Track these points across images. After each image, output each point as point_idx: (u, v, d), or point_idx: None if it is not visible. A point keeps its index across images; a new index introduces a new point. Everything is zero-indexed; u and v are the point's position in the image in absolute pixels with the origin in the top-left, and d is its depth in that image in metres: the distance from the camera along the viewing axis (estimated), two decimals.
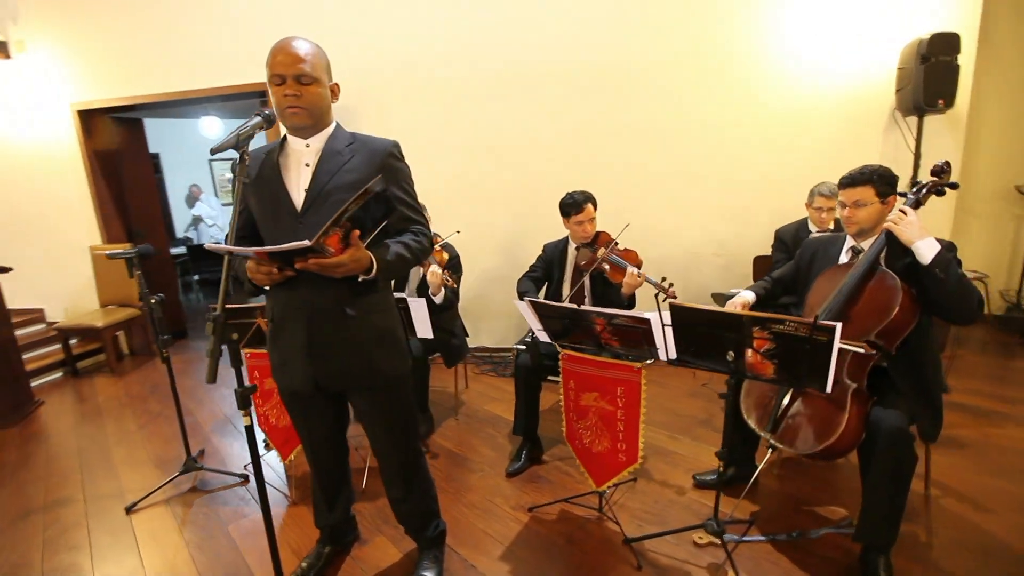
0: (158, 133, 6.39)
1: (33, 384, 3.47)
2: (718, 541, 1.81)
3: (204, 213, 6.57)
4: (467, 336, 3.01)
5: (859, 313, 1.69)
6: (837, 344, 1.33)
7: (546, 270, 2.71)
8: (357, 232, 1.26)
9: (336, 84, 1.44)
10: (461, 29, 3.54)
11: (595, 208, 2.56)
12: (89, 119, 3.94)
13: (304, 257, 1.23)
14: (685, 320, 1.56)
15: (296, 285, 1.40)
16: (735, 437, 2.05)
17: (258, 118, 1.28)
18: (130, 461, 2.64)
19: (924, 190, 1.74)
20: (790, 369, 1.48)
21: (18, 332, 3.48)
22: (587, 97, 3.54)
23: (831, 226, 2.87)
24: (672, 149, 3.53)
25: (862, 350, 1.63)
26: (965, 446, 2.39)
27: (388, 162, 1.45)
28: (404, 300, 2.17)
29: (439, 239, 2.79)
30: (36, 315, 4.12)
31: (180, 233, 7.23)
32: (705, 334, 1.56)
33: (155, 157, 6.98)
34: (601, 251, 2.47)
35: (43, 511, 2.25)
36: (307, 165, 1.41)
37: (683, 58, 3.40)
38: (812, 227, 2.91)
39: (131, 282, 2.92)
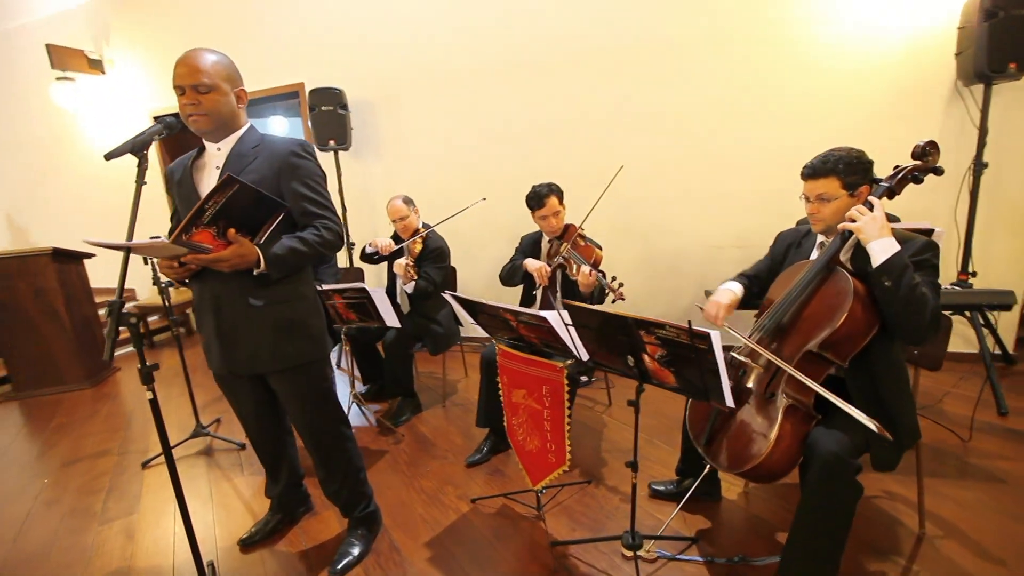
0: None
1: (116, 353, 4.11)
2: (644, 555, 1.72)
3: None
4: (460, 325, 3.06)
5: (807, 319, 1.48)
6: (719, 354, 1.19)
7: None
8: (232, 230, 1.35)
9: (242, 89, 1.53)
10: (468, 18, 3.54)
11: (561, 201, 2.47)
12: None
13: (180, 254, 1.34)
14: (581, 320, 1.47)
15: (206, 278, 1.53)
16: (691, 449, 1.91)
17: (158, 125, 1.41)
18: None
19: (898, 177, 1.47)
20: (687, 378, 1.34)
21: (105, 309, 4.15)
22: (600, 81, 3.38)
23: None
24: (693, 134, 3.26)
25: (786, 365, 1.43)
26: (998, 481, 2.00)
27: (290, 160, 1.53)
28: (366, 290, 2.26)
29: (423, 231, 2.85)
30: (128, 295, 4.87)
31: None
32: (605, 336, 1.46)
33: None
34: (564, 246, 2.38)
35: (87, 459, 2.69)
36: (217, 168, 1.53)
37: (704, 33, 3.11)
38: None
39: None
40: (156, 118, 1.41)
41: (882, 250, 1.35)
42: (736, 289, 1.74)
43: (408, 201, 2.88)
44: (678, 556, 1.73)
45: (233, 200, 1.30)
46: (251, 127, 1.59)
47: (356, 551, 1.82)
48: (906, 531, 1.77)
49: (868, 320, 1.39)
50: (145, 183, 1.39)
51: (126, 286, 1.32)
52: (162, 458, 2.58)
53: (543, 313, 1.53)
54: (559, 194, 2.49)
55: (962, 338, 2.92)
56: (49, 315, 3.45)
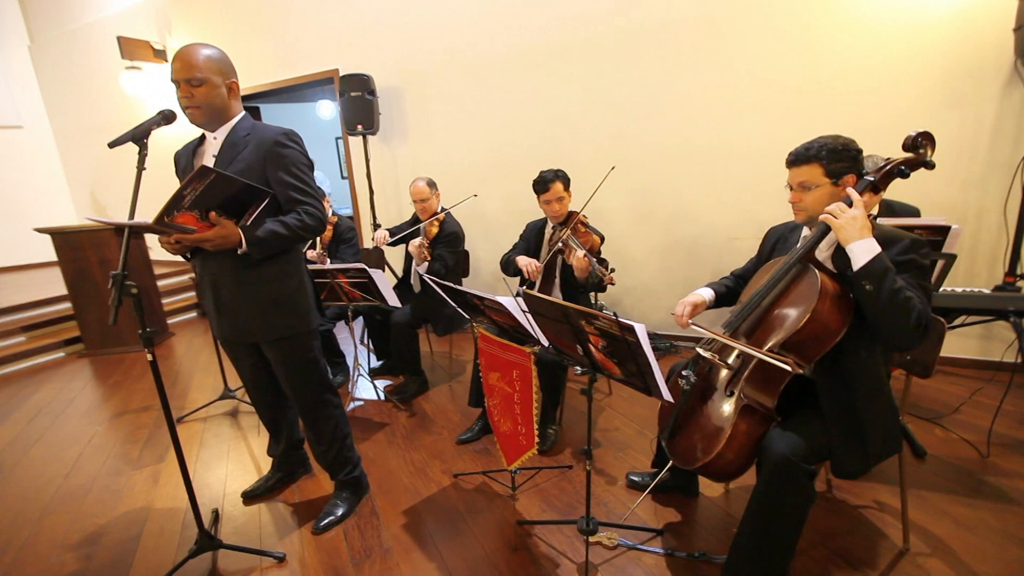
0: (292, 116, 7.53)
1: (171, 321, 4.56)
2: (606, 541, 1.75)
3: (320, 184, 7.52)
4: None
5: (773, 318, 1.43)
6: (647, 347, 1.18)
7: (526, 248, 2.69)
8: (214, 213, 1.49)
9: (234, 81, 1.65)
10: (491, 4, 3.53)
11: (566, 187, 2.46)
12: None
13: (169, 234, 1.49)
14: (535, 308, 1.50)
15: (204, 257, 1.70)
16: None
17: (158, 115, 1.56)
18: (202, 386, 3.37)
19: (884, 171, 1.36)
20: (628, 370, 1.34)
21: (167, 281, 4.61)
22: (624, 65, 3.29)
23: (874, 211, 2.34)
24: (718, 119, 3.11)
25: (712, 356, 1.39)
26: (1010, 502, 1.84)
27: (274, 150, 1.64)
28: (366, 271, 2.38)
29: (441, 214, 2.94)
30: (187, 267, 5.35)
31: None
32: (557, 324, 1.48)
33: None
34: (565, 232, 2.38)
35: (133, 412, 3.04)
36: (213, 156, 1.67)
37: (732, 11, 2.94)
38: None
39: None
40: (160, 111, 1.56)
41: (862, 252, 1.26)
42: (705, 294, 1.72)
43: (431, 184, 2.97)
44: (639, 546, 1.74)
45: (213, 187, 1.43)
46: (244, 116, 1.71)
47: (339, 512, 1.97)
48: (888, 545, 1.68)
49: (836, 322, 1.32)
50: (144, 169, 1.55)
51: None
52: (194, 416, 2.90)
53: (499, 298, 1.57)
54: (565, 180, 2.49)
55: (1003, 342, 2.66)
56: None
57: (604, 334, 1.29)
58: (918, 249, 1.30)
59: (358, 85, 3.71)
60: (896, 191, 2.48)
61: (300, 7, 4.20)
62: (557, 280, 2.52)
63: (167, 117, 1.57)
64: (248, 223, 1.61)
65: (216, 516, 2.04)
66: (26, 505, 2.19)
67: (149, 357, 1.60)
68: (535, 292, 1.48)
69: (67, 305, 4.04)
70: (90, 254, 3.83)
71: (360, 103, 3.72)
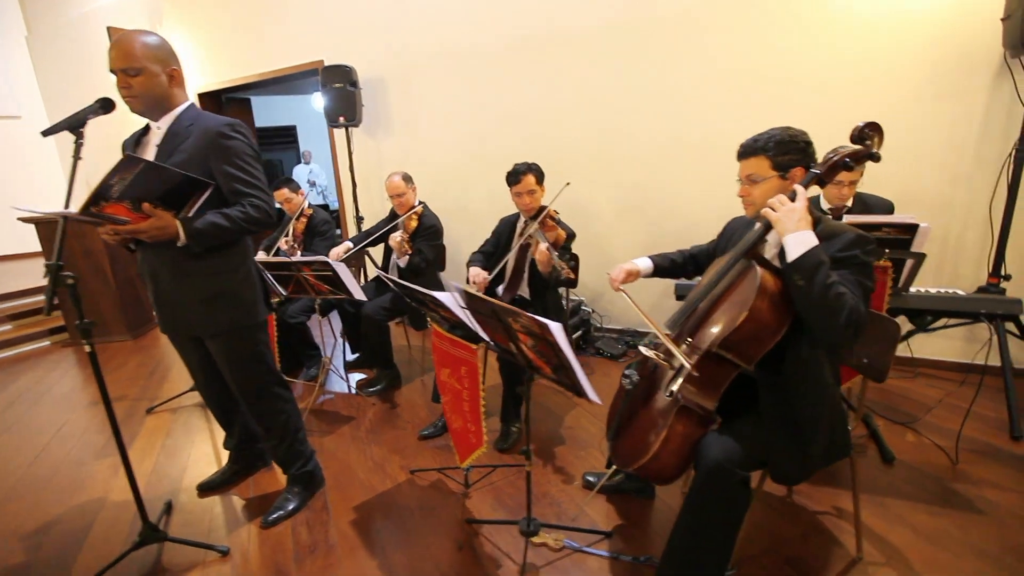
0: (289, 108, 7.53)
1: None
2: (551, 542, 1.71)
3: (316, 176, 7.53)
4: None
5: (713, 315, 1.37)
6: (564, 345, 1.14)
7: (496, 244, 2.65)
8: (147, 204, 1.46)
9: (175, 69, 1.61)
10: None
11: (538, 180, 2.41)
12: (208, 101, 4.87)
13: (101, 224, 1.47)
14: (471, 305, 1.46)
15: (145, 248, 1.68)
16: None
17: (96, 103, 1.53)
18: (179, 377, 3.38)
19: (829, 163, 1.30)
20: (556, 369, 1.30)
21: None
22: (610, 58, 3.21)
23: (849, 203, 2.28)
24: (703, 112, 3.03)
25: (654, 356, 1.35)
26: (976, 512, 1.77)
27: (217, 141, 1.60)
28: (329, 264, 2.35)
29: (419, 208, 2.90)
30: None
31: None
32: (493, 322, 1.44)
33: (293, 129, 8.26)
34: (534, 226, 2.33)
35: (103, 404, 3.05)
36: (156, 145, 1.64)
37: (717, 3, 2.85)
38: (824, 204, 2.34)
39: None
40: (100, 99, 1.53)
41: (796, 245, 1.21)
42: (641, 264, 1.74)
43: (407, 178, 2.94)
44: (584, 548, 1.70)
45: (144, 177, 1.40)
46: (190, 106, 1.68)
47: (290, 506, 1.96)
48: (841, 553, 1.63)
49: (775, 320, 1.26)
50: (81, 159, 1.53)
51: None
52: (166, 406, 2.90)
53: (436, 294, 1.53)
54: (538, 173, 2.44)
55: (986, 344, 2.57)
56: (97, 274, 3.89)
57: (529, 332, 1.25)
58: (862, 246, 1.23)
59: (340, 76, 3.68)
60: (880, 185, 2.41)
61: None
62: (526, 275, 2.48)
63: (105, 106, 1.54)
64: (190, 214, 1.59)
65: (168, 507, 2.03)
66: None
67: (87, 349, 1.58)
68: (472, 290, 1.44)
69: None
70: (74, 244, 3.85)
71: (342, 95, 3.69)
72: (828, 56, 2.66)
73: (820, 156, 1.34)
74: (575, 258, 2.72)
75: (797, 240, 1.22)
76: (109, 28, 4.48)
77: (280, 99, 7.59)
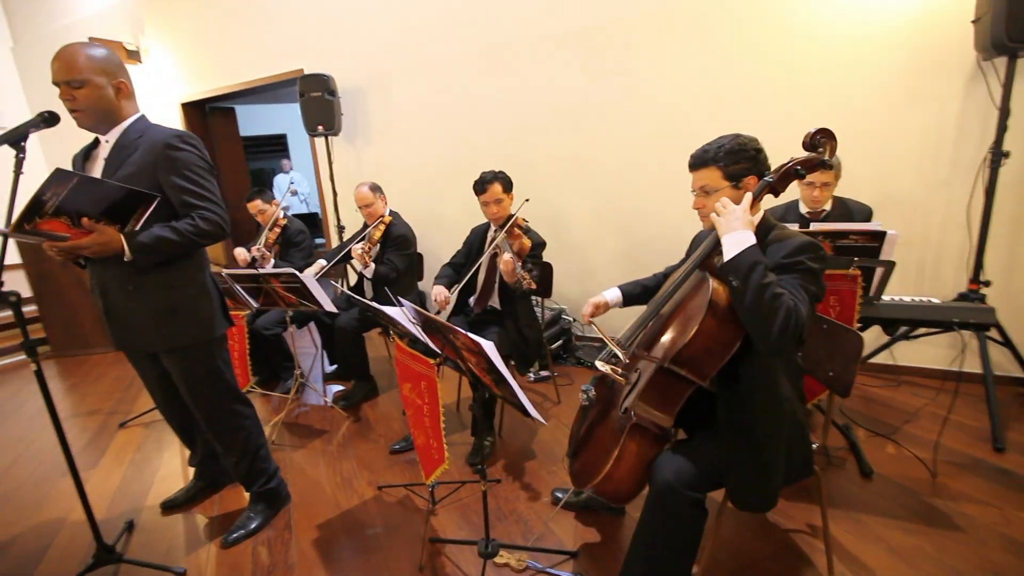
0: (278, 117, 7.52)
1: None
2: (514, 563, 1.66)
3: (298, 185, 7.45)
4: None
5: (666, 330, 1.33)
6: (500, 364, 1.09)
7: (468, 254, 2.61)
8: (86, 219, 1.42)
9: (122, 81, 1.58)
10: (452, 5, 3.45)
11: (505, 189, 2.37)
12: (191, 110, 4.86)
13: (38, 241, 1.43)
14: (421, 322, 1.41)
15: (93, 264, 1.64)
16: None
17: (37, 117, 1.50)
18: None
19: (781, 171, 1.26)
20: (500, 385, 1.26)
21: None
22: (586, 63, 3.18)
23: (827, 207, 2.23)
24: (675, 117, 2.99)
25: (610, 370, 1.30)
26: (954, 528, 1.71)
27: (164, 153, 1.57)
28: (296, 275, 2.31)
29: (387, 217, 2.87)
30: None
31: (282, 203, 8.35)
32: (441, 337, 1.40)
33: (283, 138, 8.26)
34: (500, 235, 2.29)
35: (80, 416, 3.01)
36: (104, 159, 1.60)
37: (687, 6, 2.82)
38: (803, 208, 2.30)
39: (220, 245, 3.82)
40: (45, 113, 1.49)
41: (732, 244, 1.18)
42: (609, 296, 1.69)
43: (375, 188, 2.91)
44: (548, 569, 1.65)
45: (81, 191, 1.37)
46: (139, 118, 1.64)
47: (252, 525, 1.91)
48: (812, 573, 1.57)
49: (729, 334, 1.22)
50: (23, 173, 1.49)
51: None
52: (138, 420, 2.86)
53: (387, 309, 1.49)
54: (505, 182, 2.40)
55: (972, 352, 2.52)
56: (77, 284, 3.86)
57: (469, 349, 1.20)
58: (809, 252, 1.19)
59: (318, 85, 3.66)
60: (858, 190, 2.36)
61: (266, 7, 4.16)
62: (497, 285, 2.44)
63: (47, 120, 1.50)
64: (137, 228, 1.55)
65: (130, 526, 1.99)
66: None
67: (34, 367, 1.54)
68: (416, 307, 1.40)
69: (32, 307, 4.04)
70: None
71: (320, 104, 3.67)
72: (801, 62, 2.63)
73: (776, 164, 1.30)
74: (546, 266, 2.68)
75: (733, 240, 1.19)
76: (91, 39, 4.47)
77: (269, 108, 7.59)
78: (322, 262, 2.93)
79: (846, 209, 2.28)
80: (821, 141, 1.23)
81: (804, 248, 1.20)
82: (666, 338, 1.29)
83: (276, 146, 8.19)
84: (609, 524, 1.85)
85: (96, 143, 1.66)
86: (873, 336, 2.58)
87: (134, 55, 4.80)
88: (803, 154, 1.26)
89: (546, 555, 1.70)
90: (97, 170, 1.60)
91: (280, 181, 7.39)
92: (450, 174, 3.75)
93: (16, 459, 2.56)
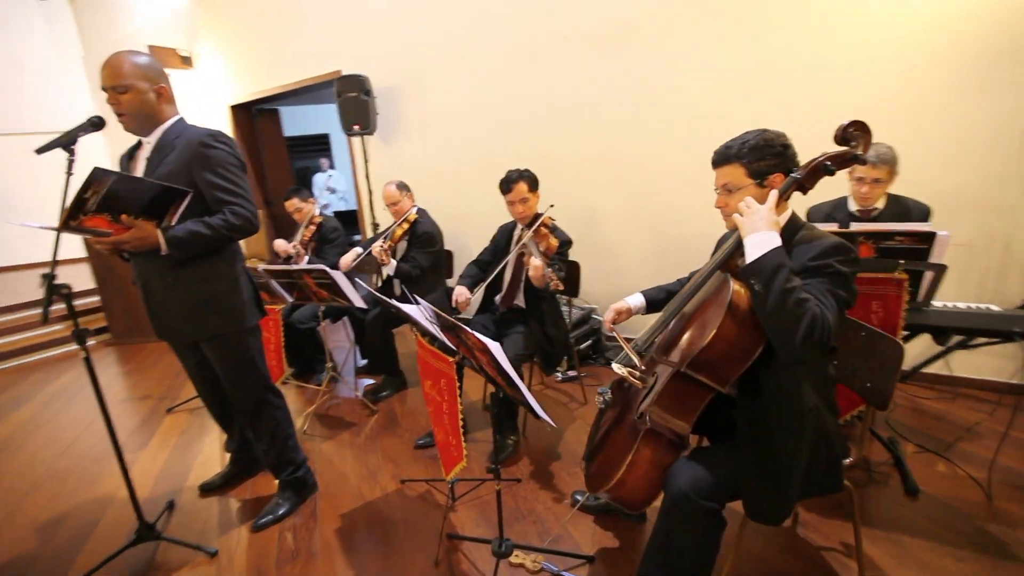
0: (328, 116, 7.76)
1: None
2: (529, 564, 1.65)
3: (335, 183, 7.71)
4: (456, 311, 3.09)
5: (685, 333, 1.28)
6: (506, 364, 1.08)
7: (494, 252, 2.61)
8: (125, 215, 1.51)
9: (163, 86, 1.67)
10: (484, 3, 3.45)
11: (531, 188, 2.35)
12: (239, 112, 5.09)
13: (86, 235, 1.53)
14: (441, 322, 1.42)
15: (136, 257, 1.74)
16: None
17: (86, 122, 1.60)
18: None
19: (810, 167, 1.18)
20: (512, 387, 1.24)
21: None
22: (618, 58, 3.10)
23: (879, 204, 2.09)
24: (713, 113, 2.88)
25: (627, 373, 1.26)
26: (1009, 558, 1.57)
27: (199, 151, 1.65)
28: (327, 272, 2.37)
29: (412, 214, 2.91)
30: None
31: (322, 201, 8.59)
32: (456, 337, 1.40)
33: (326, 137, 8.54)
34: (528, 234, 2.27)
35: (133, 400, 3.22)
36: (146, 159, 1.70)
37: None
38: (852, 204, 2.16)
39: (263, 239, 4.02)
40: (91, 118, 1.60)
41: (755, 246, 1.12)
42: (632, 302, 1.64)
43: (401, 187, 2.96)
44: (563, 572, 1.63)
45: (118, 189, 1.45)
46: (178, 120, 1.73)
47: (280, 511, 1.99)
48: None
49: (748, 339, 1.16)
50: (73, 174, 1.60)
51: None
52: (185, 406, 3.03)
53: (404, 307, 1.50)
54: (531, 181, 2.38)
55: None
56: None
57: (481, 349, 1.20)
58: (840, 254, 1.11)
59: (355, 86, 3.75)
60: (919, 186, 2.19)
61: (306, 11, 4.30)
62: (523, 284, 2.42)
63: (95, 124, 1.60)
64: (172, 223, 1.64)
65: (171, 506, 2.11)
66: (17, 481, 2.37)
67: (83, 354, 1.65)
68: (431, 306, 1.40)
69: (96, 298, 4.36)
70: None
71: (356, 104, 3.76)
72: (859, 46, 2.45)
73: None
74: (573, 265, 2.65)
75: (756, 241, 1.12)
76: (150, 47, 4.76)
77: (313, 108, 7.85)
78: (358, 250, 3.00)
79: (902, 207, 2.11)
80: (854, 134, 1.15)
81: (833, 250, 1.12)
82: (684, 342, 1.24)
83: (320, 145, 8.49)
84: (628, 530, 1.80)
85: (139, 145, 1.76)
86: (925, 345, 2.39)
87: (187, 61, 5.07)
88: (834, 148, 1.18)
89: (562, 558, 1.68)
90: (139, 170, 1.70)
91: (318, 180, 7.65)
92: (481, 172, 3.75)
93: (77, 437, 2.77)
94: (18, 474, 2.43)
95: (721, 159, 1.28)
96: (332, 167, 8.31)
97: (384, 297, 1.69)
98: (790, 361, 1.07)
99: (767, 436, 1.19)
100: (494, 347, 1.04)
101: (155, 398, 3.23)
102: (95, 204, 1.43)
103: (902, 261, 1.60)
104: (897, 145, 2.03)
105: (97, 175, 1.38)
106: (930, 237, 1.57)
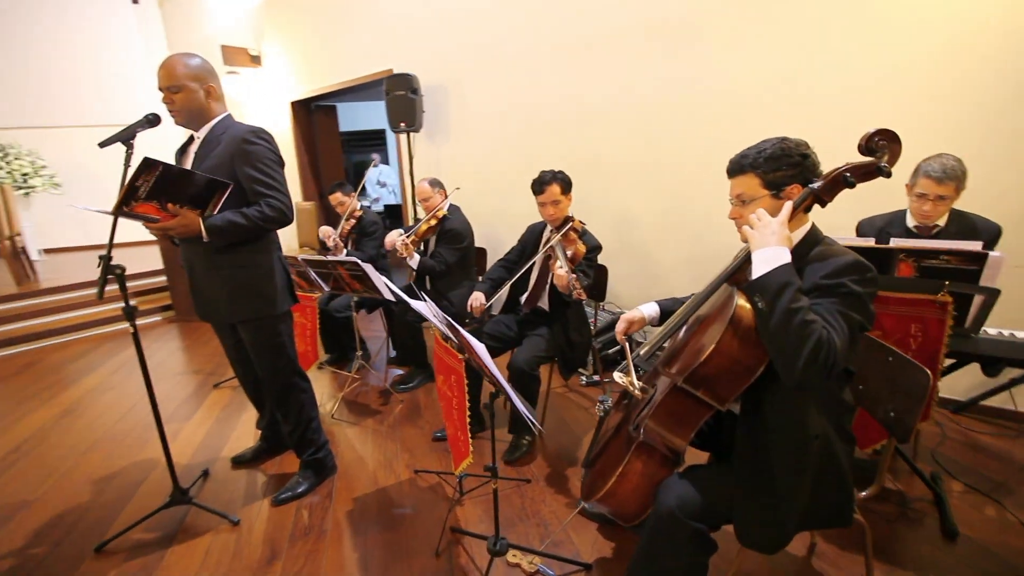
0: (377, 113, 8.03)
1: None
2: (525, 564, 1.66)
3: (386, 177, 7.98)
4: None
5: (687, 346, 1.25)
6: (494, 370, 1.09)
7: (521, 252, 2.61)
8: (171, 203, 1.64)
9: (212, 86, 1.80)
10: (525, 6, 3.46)
11: (564, 191, 2.33)
12: (299, 108, 5.38)
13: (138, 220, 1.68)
14: (442, 320, 1.45)
15: (183, 242, 1.89)
16: None
17: (143, 119, 1.75)
18: None
19: (829, 178, 1.11)
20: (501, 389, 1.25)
21: None
22: (661, 58, 3.02)
23: (941, 222, 1.93)
24: (753, 118, 2.74)
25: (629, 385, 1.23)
26: None
27: (241, 147, 1.77)
28: (359, 264, 2.47)
29: (441, 210, 2.97)
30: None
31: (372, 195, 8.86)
32: (456, 336, 1.42)
33: (382, 132, 8.83)
34: (556, 238, 2.26)
35: (184, 374, 3.49)
36: (195, 153, 1.84)
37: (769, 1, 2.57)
38: (910, 221, 2.00)
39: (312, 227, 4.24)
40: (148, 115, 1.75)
41: (762, 262, 1.07)
42: (646, 310, 1.59)
43: (434, 183, 3.02)
44: None
45: (167, 179, 1.58)
46: (225, 116, 1.86)
47: (300, 489, 2.10)
48: None
49: (751, 357, 1.11)
50: (130, 166, 1.75)
51: None
52: (229, 383, 3.25)
53: (414, 303, 1.54)
54: (564, 183, 2.36)
55: None
56: None
57: (471, 348, 1.22)
58: (857, 273, 1.04)
59: (403, 84, 3.86)
60: (992, 203, 2.00)
61: (362, 12, 4.48)
62: (548, 287, 2.42)
63: (151, 120, 1.74)
64: (214, 213, 1.76)
65: (205, 474, 2.27)
66: (79, 440, 2.63)
67: (131, 330, 1.81)
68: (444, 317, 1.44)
69: (164, 278, 4.75)
70: None
71: (403, 102, 3.87)
72: (915, 47, 2.25)
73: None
74: (601, 270, 2.61)
75: (764, 257, 1.07)
76: (223, 47, 5.13)
77: (371, 104, 8.14)
78: (400, 231, 3.09)
79: (967, 225, 1.92)
80: (880, 145, 1.07)
81: (848, 268, 1.05)
82: (683, 355, 1.21)
83: (375, 140, 8.82)
84: (630, 542, 1.76)
85: (191, 140, 1.91)
86: (979, 379, 2.18)
87: (256, 59, 5.41)
88: (858, 159, 1.10)
89: (560, 563, 1.67)
90: (189, 163, 1.85)
91: (371, 174, 7.95)
92: (519, 171, 3.76)
93: (134, 405, 3.04)
94: (81, 434, 2.70)
95: (736, 168, 1.23)
96: (385, 162, 8.60)
97: (399, 290, 1.74)
98: (791, 385, 1.01)
99: (765, 459, 1.13)
100: (479, 348, 1.06)
101: (205, 373, 3.48)
102: (145, 192, 1.57)
103: (947, 282, 1.47)
104: (968, 157, 1.84)
105: (147, 164, 1.51)
106: (981, 258, 1.43)
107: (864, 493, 1.30)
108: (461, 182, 3.39)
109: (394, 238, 2.97)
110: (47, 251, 6.45)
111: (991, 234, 1.90)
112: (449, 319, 1.20)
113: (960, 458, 2.15)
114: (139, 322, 4.64)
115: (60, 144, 6.25)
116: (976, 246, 1.45)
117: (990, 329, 1.67)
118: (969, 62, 2.17)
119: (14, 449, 2.57)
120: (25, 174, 5.83)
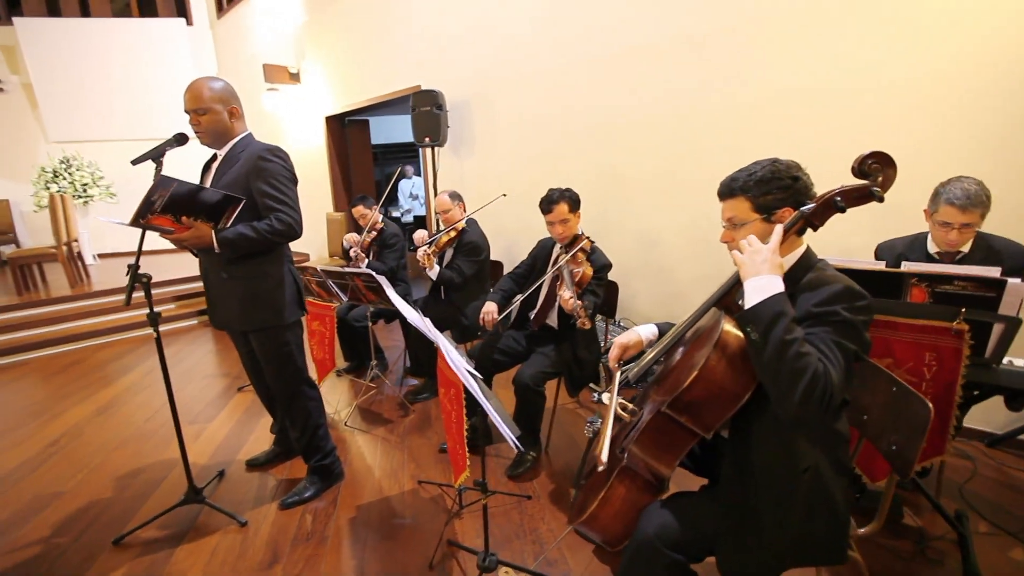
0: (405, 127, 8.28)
1: None
2: None
3: (418, 189, 8.17)
4: None
5: (674, 368, 1.23)
6: (479, 395, 1.10)
7: (531, 267, 2.62)
8: (185, 216, 1.74)
9: (235, 107, 1.91)
10: (549, 22, 3.51)
11: (572, 209, 2.33)
12: (333, 123, 5.60)
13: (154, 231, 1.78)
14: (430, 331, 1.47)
15: (201, 253, 2.00)
16: None
17: (172, 138, 1.87)
18: None
19: (821, 202, 1.08)
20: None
21: None
22: (683, 74, 3.01)
23: (965, 248, 1.84)
24: (781, 130, 2.68)
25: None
26: None
27: (256, 164, 1.86)
28: (373, 276, 2.54)
29: (459, 224, 3.02)
30: (303, 258, 6.21)
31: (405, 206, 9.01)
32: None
33: (413, 145, 9.05)
34: (564, 258, 2.26)
35: (210, 377, 3.65)
36: (215, 169, 1.96)
37: (796, 12, 2.51)
38: (931, 246, 1.91)
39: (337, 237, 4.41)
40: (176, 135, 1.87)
41: (754, 291, 1.04)
42: (645, 334, 1.49)
43: (454, 196, 3.09)
44: None
45: (179, 194, 1.68)
46: (246, 135, 1.97)
47: (307, 494, 2.16)
48: None
49: (736, 383, 1.08)
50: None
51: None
52: (251, 387, 3.37)
53: (409, 315, 1.58)
54: (572, 201, 2.36)
55: None
56: None
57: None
58: (851, 300, 1.00)
59: (428, 100, 3.97)
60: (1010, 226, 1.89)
61: (396, 29, 4.65)
62: (556, 305, 2.42)
63: (180, 140, 1.86)
64: (227, 226, 1.86)
65: (221, 475, 2.37)
66: (110, 437, 2.79)
67: (155, 335, 1.92)
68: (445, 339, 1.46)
69: (197, 284, 4.99)
70: None
71: (428, 117, 3.98)
72: (950, 57, 2.16)
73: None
74: (612, 287, 2.59)
75: (756, 286, 1.04)
76: (265, 65, 5.41)
77: (404, 118, 8.41)
78: (425, 232, 3.17)
79: (991, 250, 1.82)
80: (874, 168, 1.03)
81: (840, 296, 1.01)
82: (668, 380, 1.19)
83: (408, 153, 9.09)
84: None
85: (214, 157, 2.02)
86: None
87: (295, 76, 5.67)
88: (851, 182, 1.07)
89: None
90: (210, 179, 1.96)
91: (403, 186, 8.18)
92: (543, 185, 3.72)
93: (163, 405, 3.14)
94: (113, 431, 2.86)
95: (726, 191, 1.21)
96: (418, 174, 8.82)
97: (405, 304, 1.78)
98: (788, 419, 0.98)
99: (751, 490, 1.10)
100: (458, 361, 1.08)
101: (231, 377, 3.63)
102: (160, 206, 1.67)
103: (963, 309, 1.39)
104: (992, 180, 1.75)
105: (163, 181, 1.62)
106: (1000, 284, 1.35)
107: (862, 530, 1.23)
108: (485, 197, 3.44)
109: (423, 235, 3.04)
110: (101, 256, 6.89)
111: (1018, 257, 1.78)
112: (441, 336, 1.23)
113: (991, 495, 2.01)
114: (177, 325, 4.94)
115: (117, 156, 6.70)
116: (994, 272, 1.37)
117: (1017, 360, 1.57)
118: (991, 75, 2.07)
119: (52, 443, 2.75)
120: (85, 184, 6.29)
